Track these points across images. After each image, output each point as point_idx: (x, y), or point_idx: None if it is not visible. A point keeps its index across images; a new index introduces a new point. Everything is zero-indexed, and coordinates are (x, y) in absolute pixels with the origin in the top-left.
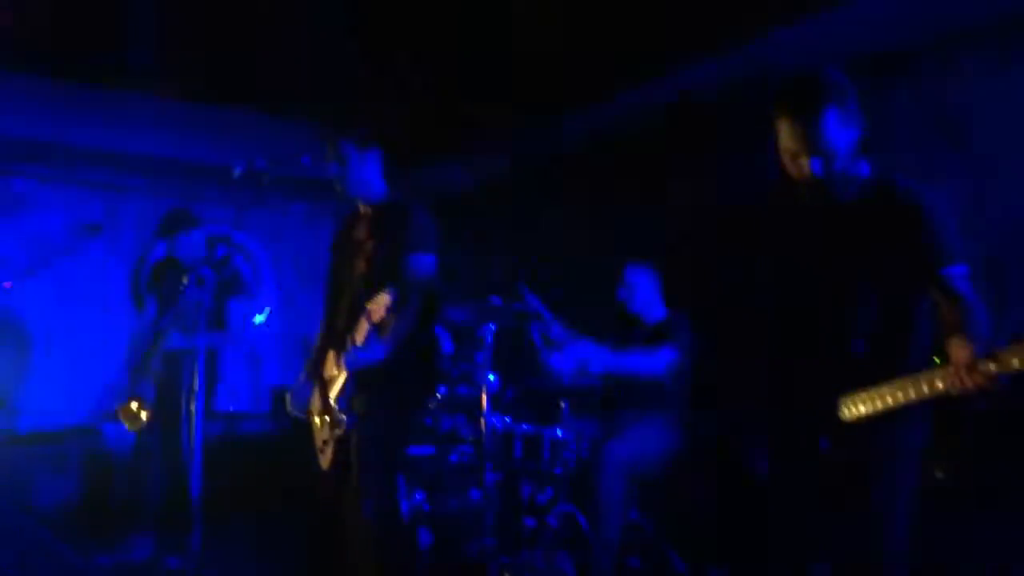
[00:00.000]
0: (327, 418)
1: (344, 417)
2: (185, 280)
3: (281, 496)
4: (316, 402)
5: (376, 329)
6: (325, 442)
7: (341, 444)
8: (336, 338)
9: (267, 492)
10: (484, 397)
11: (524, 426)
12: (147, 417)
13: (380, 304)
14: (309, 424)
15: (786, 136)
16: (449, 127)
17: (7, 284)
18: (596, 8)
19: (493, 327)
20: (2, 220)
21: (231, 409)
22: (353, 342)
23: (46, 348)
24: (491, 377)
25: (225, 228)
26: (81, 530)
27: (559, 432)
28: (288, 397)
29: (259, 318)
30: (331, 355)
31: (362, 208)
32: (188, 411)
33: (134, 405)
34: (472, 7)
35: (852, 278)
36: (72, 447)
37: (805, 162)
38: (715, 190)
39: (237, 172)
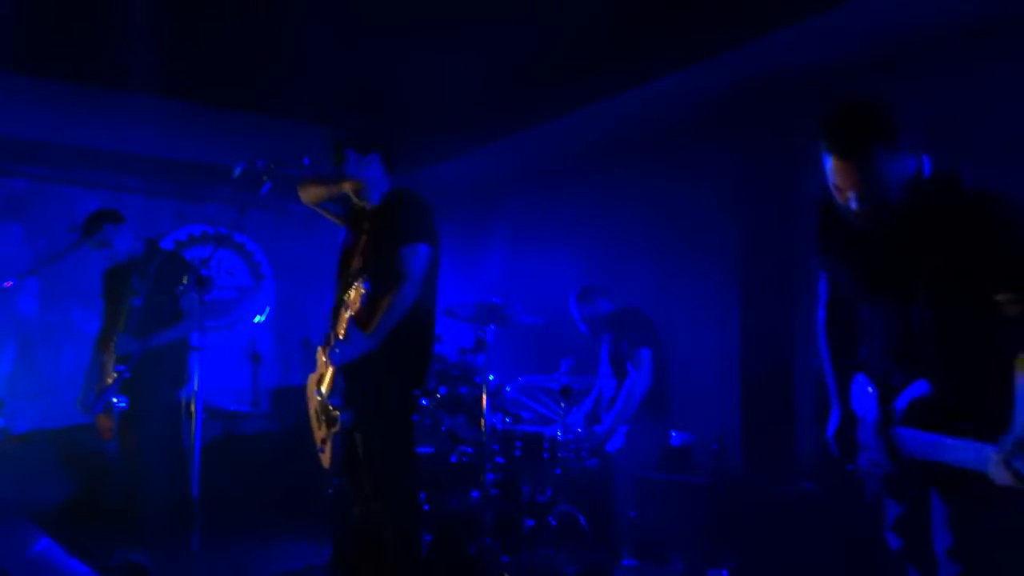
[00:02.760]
0: (323, 416)
1: (339, 414)
2: (185, 280)
3: (281, 496)
4: (312, 400)
5: (355, 321)
6: (324, 440)
7: (343, 441)
8: (328, 334)
9: (266, 492)
10: (484, 397)
11: (524, 426)
12: (116, 426)
13: (355, 295)
14: (309, 423)
15: (832, 171)
16: None
17: (7, 284)
18: None
19: (494, 327)
20: (2, 220)
21: (231, 408)
22: (336, 337)
23: (45, 348)
24: (491, 377)
25: (224, 228)
26: (79, 532)
27: (559, 432)
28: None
29: (259, 318)
30: (320, 351)
31: (368, 206)
32: (188, 411)
33: (108, 414)
34: None
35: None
36: (69, 448)
37: (850, 197)
38: None
39: (237, 172)
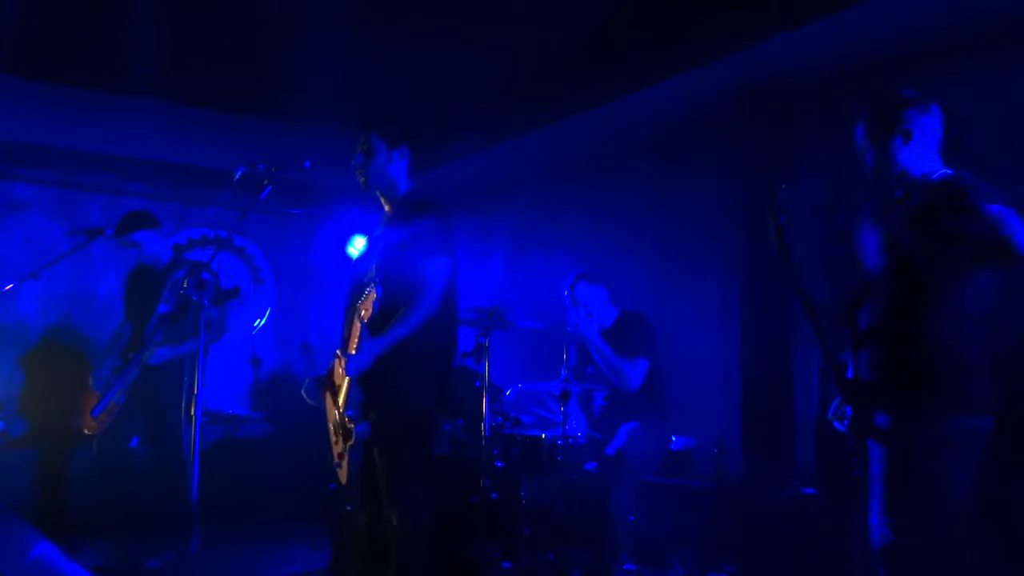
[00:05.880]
0: (340, 431)
1: (353, 426)
2: (185, 284)
3: (280, 500)
4: (330, 413)
5: (368, 328)
6: (340, 455)
7: (360, 455)
8: (342, 343)
9: (266, 495)
10: (484, 400)
11: (524, 430)
12: (101, 425)
13: (368, 301)
14: (311, 428)
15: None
16: None
17: (8, 287)
18: None
19: (495, 331)
20: (2, 224)
21: (230, 412)
22: (350, 348)
23: (46, 352)
24: (490, 381)
25: (224, 232)
26: (78, 535)
27: (558, 436)
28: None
29: (259, 322)
30: (337, 362)
31: (385, 206)
32: (188, 415)
33: (104, 415)
34: None
35: None
36: (70, 451)
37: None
38: None
39: (237, 176)
